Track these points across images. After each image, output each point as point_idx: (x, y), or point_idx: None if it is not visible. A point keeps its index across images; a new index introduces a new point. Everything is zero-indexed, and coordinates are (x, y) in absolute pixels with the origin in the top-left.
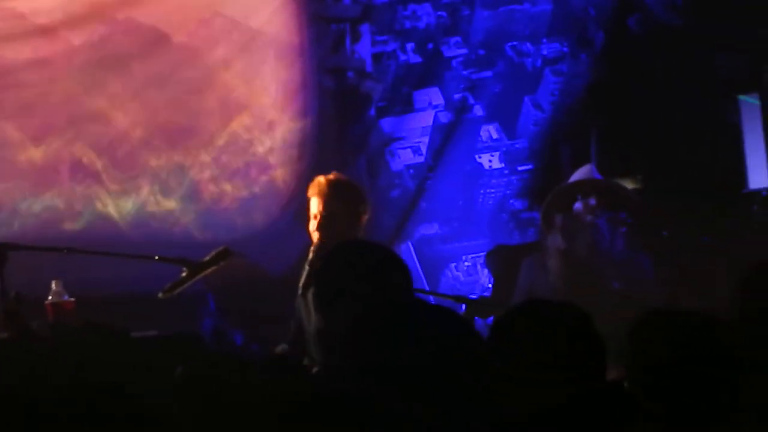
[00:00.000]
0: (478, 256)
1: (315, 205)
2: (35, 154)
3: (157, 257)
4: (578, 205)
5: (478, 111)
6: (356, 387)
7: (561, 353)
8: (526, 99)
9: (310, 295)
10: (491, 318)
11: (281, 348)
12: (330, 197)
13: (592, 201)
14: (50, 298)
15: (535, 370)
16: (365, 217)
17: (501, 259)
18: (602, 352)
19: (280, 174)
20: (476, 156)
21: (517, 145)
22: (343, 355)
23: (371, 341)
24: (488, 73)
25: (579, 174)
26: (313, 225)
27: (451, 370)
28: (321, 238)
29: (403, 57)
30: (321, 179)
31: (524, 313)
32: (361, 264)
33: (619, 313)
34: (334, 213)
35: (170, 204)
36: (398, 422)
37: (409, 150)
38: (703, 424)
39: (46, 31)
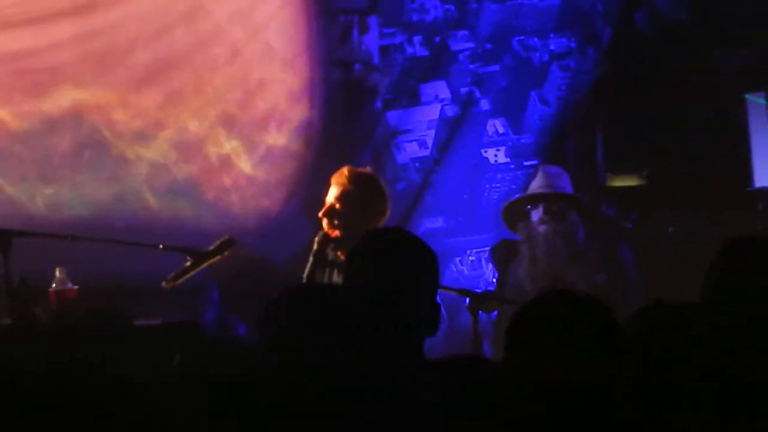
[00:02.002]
0: (482, 251)
1: (332, 194)
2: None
3: (161, 246)
4: (533, 215)
5: (485, 105)
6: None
7: (585, 345)
8: (533, 94)
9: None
10: (495, 312)
11: None
12: (347, 190)
13: (540, 210)
14: (54, 285)
15: (557, 361)
16: (381, 219)
17: (505, 254)
18: (623, 343)
19: (286, 165)
20: (482, 150)
21: (523, 140)
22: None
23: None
24: (495, 68)
25: (535, 181)
26: (323, 211)
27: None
28: (327, 227)
29: (410, 50)
30: (345, 170)
31: (547, 304)
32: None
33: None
34: (346, 206)
35: (176, 193)
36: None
37: (414, 143)
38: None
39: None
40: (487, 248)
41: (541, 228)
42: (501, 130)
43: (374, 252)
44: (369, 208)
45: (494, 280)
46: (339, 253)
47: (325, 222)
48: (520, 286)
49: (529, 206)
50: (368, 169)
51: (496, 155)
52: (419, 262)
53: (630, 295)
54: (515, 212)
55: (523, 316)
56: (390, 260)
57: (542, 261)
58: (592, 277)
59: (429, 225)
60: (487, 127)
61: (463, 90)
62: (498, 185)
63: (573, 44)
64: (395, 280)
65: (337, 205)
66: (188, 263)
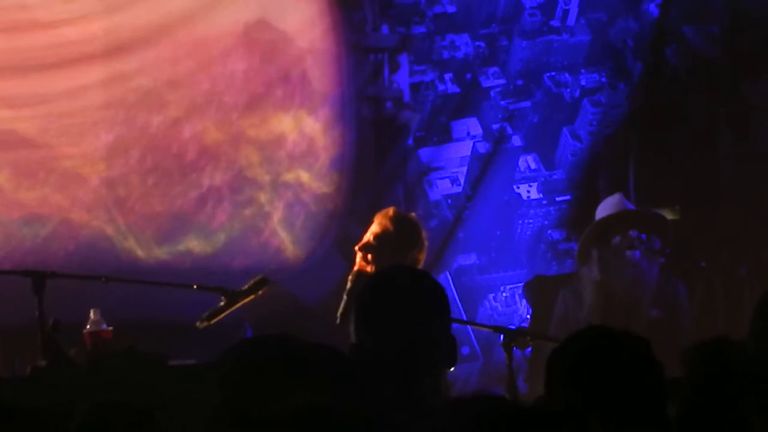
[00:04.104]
0: (516, 287)
1: (372, 229)
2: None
3: (195, 286)
4: (617, 239)
5: (516, 141)
6: None
7: (623, 381)
8: (564, 129)
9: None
10: (529, 349)
11: None
12: (387, 230)
13: (633, 233)
14: (88, 326)
15: (595, 399)
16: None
17: (539, 290)
18: (662, 380)
19: (317, 203)
20: (514, 186)
21: (555, 176)
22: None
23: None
24: (526, 104)
25: (609, 204)
26: (359, 245)
27: None
28: (361, 261)
29: (441, 87)
30: (391, 211)
31: (584, 340)
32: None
33: (655, 341)
34: (381, 245)
35: (209, 233)
36: None
37: (447, 180)
38: None
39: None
40: (520, 284)
41: (628, 252)
42: (533, 165)
43: (376, 293)
44: (403, 253)
45: (528, 316)
46: None
47: (359, 256)
48: (578, 317)
49: (619, 228)
50: (413, 216)
51: (528, 191)
52: (422, 298)
53: (683, 332)
54: (600, 236)
55: (563, 350)
56: (391, 300)
57: (618, 284)
58: (646, 311)
59: (462, 262)
60: (519, 163)
61: (495, 126)
62: (530, 221)
63: (604, 79)
64: (398, 318)
65: (374, 242)
66: (222, 303)
